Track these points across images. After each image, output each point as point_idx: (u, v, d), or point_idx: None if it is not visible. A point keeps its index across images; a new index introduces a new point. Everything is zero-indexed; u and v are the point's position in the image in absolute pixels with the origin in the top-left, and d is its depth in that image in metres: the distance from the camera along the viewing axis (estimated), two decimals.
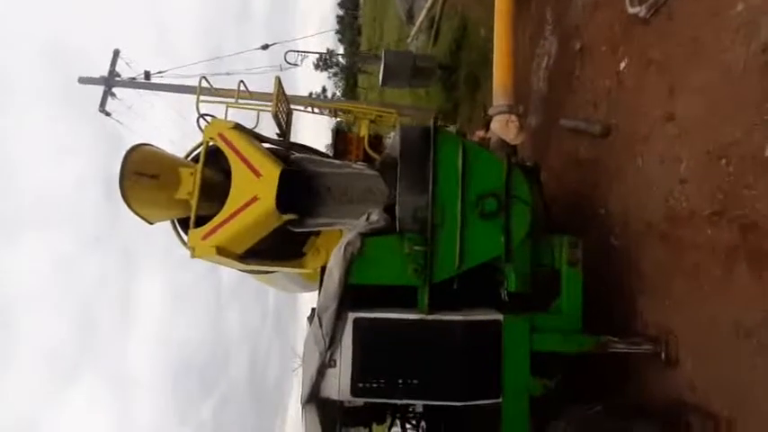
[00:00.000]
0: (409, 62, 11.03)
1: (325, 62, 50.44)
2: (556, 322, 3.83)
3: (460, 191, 3.68)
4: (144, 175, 3.86)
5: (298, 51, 11.27)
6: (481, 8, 10.15)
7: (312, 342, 3.56)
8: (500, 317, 3.66)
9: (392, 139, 4.26)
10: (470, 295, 3.96)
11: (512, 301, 3.89)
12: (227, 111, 5.26)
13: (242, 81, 6.49)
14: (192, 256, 4.04)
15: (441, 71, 12.12)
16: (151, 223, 4.32)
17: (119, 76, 12.02)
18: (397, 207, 3.67)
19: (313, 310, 3.86)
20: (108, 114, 11.91)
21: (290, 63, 11.19)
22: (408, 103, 16.19)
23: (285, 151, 5.11)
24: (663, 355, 3.69)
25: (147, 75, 11.56)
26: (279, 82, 6.26)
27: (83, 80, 12.10)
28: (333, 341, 3.53)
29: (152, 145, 4.37)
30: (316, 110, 9.58)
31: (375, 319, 3.60)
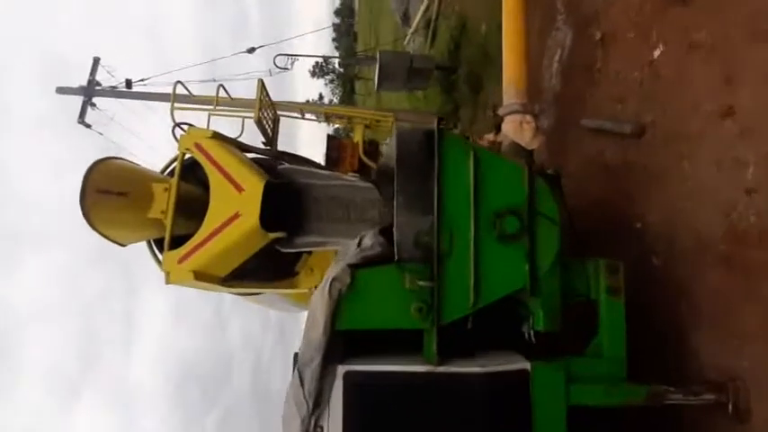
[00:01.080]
0: (406, 63, 10.36)
1: (321, 69, 50.11)
2: (596, 368, 3.09)
3: (473, 208, 2.95)
4: (110, 193, 3.49)
5: (288, 55, 10.60)
6: (481, 4, 9.49)
7: (292, 404, 2.82)
8: (527, 365, 2.92)
9: (388, 146, 3.54)
10: (487, 335, 3.23)
11: (538, 342, 3.16)
12: (209, 119, 4.85)
13: (221, 85, 5.87)
14: (167, 281, 3.62)
15: (439, 72, 11.44)
16: (123, 245, 3.91)
17: (99, 84, 11.35)
18: (394, 230, 2.94)
19: (295, 356, 3.12)
20: (88, 126, 11.22)
21: (279, 67, 10.52)
22: (407, 108, 15.53)
23: (272, 162, 4.67)
24: (730, 407, 2.96)
25: (129, 83, 10.87)
26: (261, 85, 5.62)
27: (61, 90, 11.43)
28: (318, 402, 2.79)
29: (121, 158, 4.01)
30: (308, 115, 8.87)
31: (371, 372, 2.87)
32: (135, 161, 4.21)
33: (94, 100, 11.30)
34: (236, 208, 3.60)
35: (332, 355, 2.83)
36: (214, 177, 3.73)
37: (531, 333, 3.11)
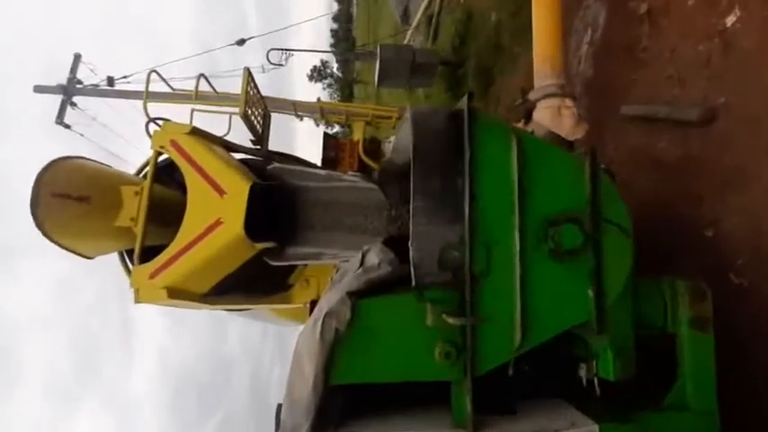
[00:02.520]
0: (408, 58, 9.60)
1: (319, 73, 49.62)
2: (681, 426, 2.30)
3: (517, 214, 2.17)
4: (68, 198, 3.08)
5: (281, 49, 9.83)
6: None
7: None
8: (594, 428, 2.13)
9: (398, 133, 2.78)
10: (530, 381, 2.44)
11: (601, 390, 2.37)
12: (192, 115, 4.44)
13: (202, 75, 5.14)
14: (137, 300, 3.19)
15: (443, 68, 10.70)
16: (90, 258, 3.50)
17: (80, 83, 10.58)
18: (411, 245, 2.16)
19: (278, 409, 2.33)
20: (67, 127, 10.44)
21: (273, 63, 9.74)
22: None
23: (262, 162, 4.18)
24: None
25: (111, 81, 10.09)
26: (248, 75, 4.87)
27: (38, 89, 10.67)
28: None
29: (83, 158, 3.50)
30: (302, 113, 8.09)
31: None
32: (110, 162, 3.78)
33: (75, 99, 10.54)
34: (218, 214, 3.21)
35: (325, 420, 2.04)
36: (192, 179, 3.31)
37: (596, 382, 2.32)
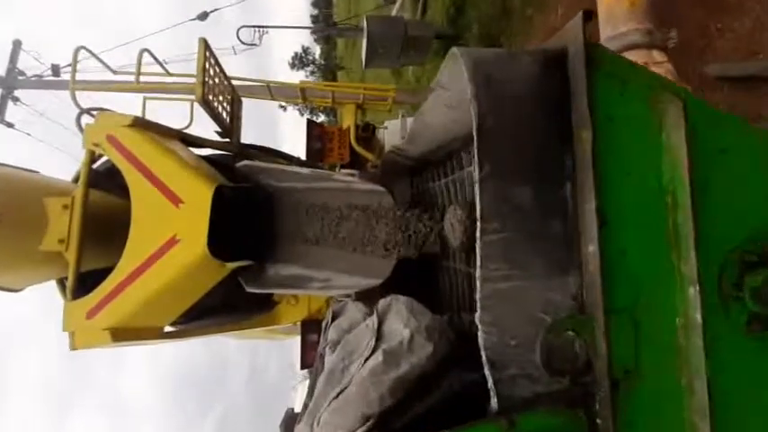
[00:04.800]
0: (399, 30, 8.42)
1: (300, 60, 48.04)
2: None
3: (691, 249, 1.11)
4: None
5: (254, 27, 8.51)
6: None
7: None
8: None
9: (425, 108, 1.70)
10: None
11: None
12: (144, 105, 4.03)
13: (146, 50, 4.10)
14: (72, 347, 2.60)
15: (438, 42, 9.54)
16: (15, 291, 2.89)
17: (23, 74, 9.21)
18: (479, 320, 1.09)
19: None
20: (10, 126, 9.09)
21: (245, 43, 8.44)
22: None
23: (233, 160, 3.42)
24: None
25: (57, 70, 8.73)
26: (205, 45, 3.75)
27: None
28: None
29: None
30: (279, 98, 6.88)
31: None
32: (65, 167, 3.32)
33: (18, 93, 9.18)
34: (172, 230, 2.65)
35: None
36: (137, 185, 2.71)
37: None
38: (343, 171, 2.94)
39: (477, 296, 1.11)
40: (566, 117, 1.14)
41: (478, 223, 1.09)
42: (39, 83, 9.05)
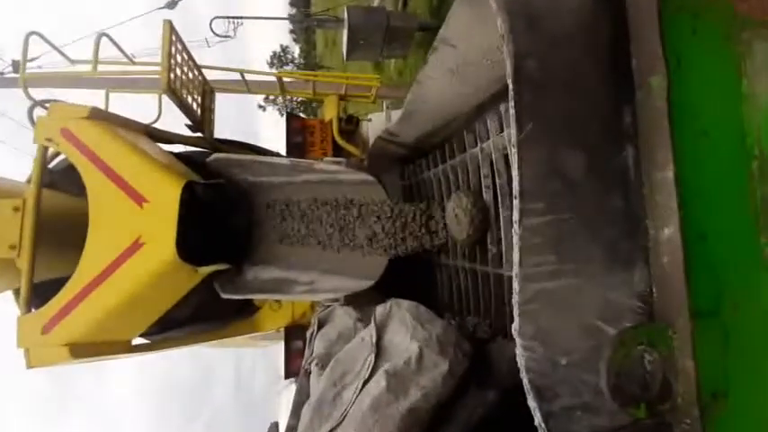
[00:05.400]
0: (381, 21, 8.15)
1: (279, 59, 47.52)
2: None
3: None
4: None
5: (228, 18, 8.10)
6: None
7: None
8: None
9: (424, 70, 1.40)
10: None
11: None
12: (107, 98, 3.73)
13: (105, 34, 3.76)
14: (28, 365, 2.38)
15: (421, 35, 9.29)
16: None
17: None
18: (517, 331, 0.80)
19: None
20: None
21: (219, 35, 8.02)
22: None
23: (205, 155, 3.15)
24: None
25: (17, 66, 8.18)
26: (170, 29, 3.49)
27: None
28: None
29: None
30: (262, 102, 6.51)
31: None
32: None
33: None
34: (137, 232, 2.47)
35: None
36: (95, 183, 2.51)
37: None
38: (328, 159, 2.63)
39: (515, 300, 0.82)
40: (623, 61, 0.87)
41: (516, 202, 0.80)
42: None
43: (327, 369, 1.22)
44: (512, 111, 0.79)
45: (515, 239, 0.82)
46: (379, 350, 1.10)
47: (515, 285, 0.82)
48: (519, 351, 0.83)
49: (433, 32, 9.36)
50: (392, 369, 1.00)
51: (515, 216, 0.81)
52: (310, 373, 1.48)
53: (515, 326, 0.83)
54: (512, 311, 0.79)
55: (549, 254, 0.82)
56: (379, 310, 1.24)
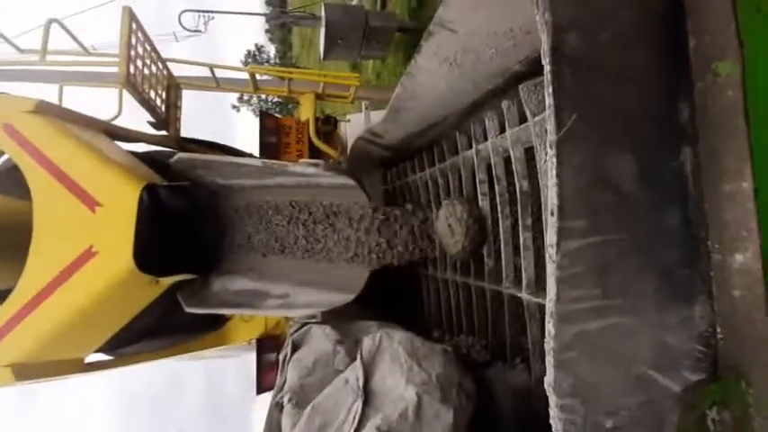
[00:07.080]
0: (360, 20, 7.92)
1: (254, 58, 46.91)
2: None
3: None
4: None
5: (199, 11, 7.71)
6: None
7: None
8: None
9: (413, 66, 1.19)
10: None
11: None
12: (61, 91, 3.39)
13: (55, 20, 3.46)
14: None
15: (400, 36, 9.13)
16: None
17: None
18: (550, 385, 0.62)
19: None
20: None
21: (188, 30, 7.62)
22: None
23: (170, 155, 2.84)
24: None
25: None
26: (130, 16, 3.25)
27: None
28: None
29: None
30: (236, 103, 6.20)
31: None
32: None
33: None
34: (88, 240, 2.24)
35: None
36: (40, 185, 2.25)
37: None
38: (304, 161, 2.42)
39: (550, 347, 0.63)
40: (678, 42, 0.69)
41: (552, 219, 0.61)
42: None
43: (303, 417, 1.00)
44: (549, 99, 0.60)
45: (550, 269, 0.63)
46: (367, 395, 0.90)
47: (550, 327, 0.63)
48: (554, 412, 0.63)
49: (412, 34, 9.24)
50: (385, 425, 0.80)
51: (551, 239, 0.62)
52: (282, 406, 1.27)
53: (549, 380, 0.64)
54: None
55: (591, 286, 0.63)
56: (367, 343, 1.03)
